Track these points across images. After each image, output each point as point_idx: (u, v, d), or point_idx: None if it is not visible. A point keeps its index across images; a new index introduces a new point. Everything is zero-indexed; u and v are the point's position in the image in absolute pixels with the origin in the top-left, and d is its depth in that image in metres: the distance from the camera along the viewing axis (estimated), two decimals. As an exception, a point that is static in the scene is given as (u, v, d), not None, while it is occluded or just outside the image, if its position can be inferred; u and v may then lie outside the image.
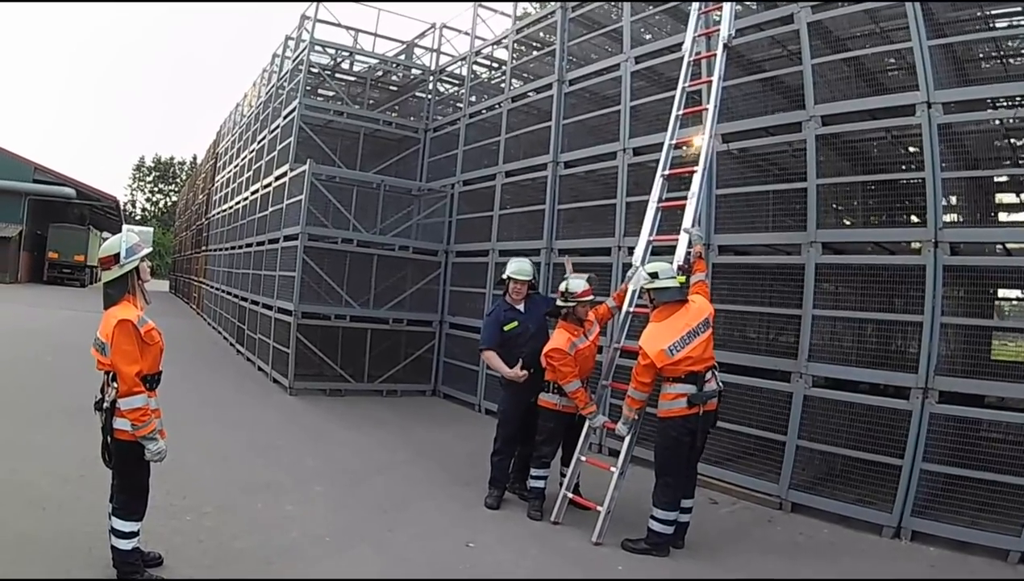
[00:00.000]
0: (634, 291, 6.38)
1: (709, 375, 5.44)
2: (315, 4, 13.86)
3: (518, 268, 6.62)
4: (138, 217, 72.45)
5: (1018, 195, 8.67)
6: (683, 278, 5.84)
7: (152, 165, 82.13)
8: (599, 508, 5.72)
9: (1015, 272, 6.84)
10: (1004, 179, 8.30)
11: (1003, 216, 8.50)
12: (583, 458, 6.22)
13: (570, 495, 6.10)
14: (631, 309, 6.51)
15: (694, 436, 5.42)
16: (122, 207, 46.26)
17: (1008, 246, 7.20)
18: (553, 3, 11.52)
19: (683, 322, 5.44)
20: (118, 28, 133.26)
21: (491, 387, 11.03)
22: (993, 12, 7.09)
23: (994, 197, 8.45)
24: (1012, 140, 7.77)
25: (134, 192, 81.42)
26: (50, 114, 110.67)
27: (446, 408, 11.62)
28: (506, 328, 6.54)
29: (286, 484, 6.49)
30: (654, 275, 5.65)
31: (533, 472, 6.30)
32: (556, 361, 6.04)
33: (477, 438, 9.06)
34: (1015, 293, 8.38)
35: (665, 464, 5.47)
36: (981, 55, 7.93)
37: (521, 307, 6.66)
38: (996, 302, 8.14)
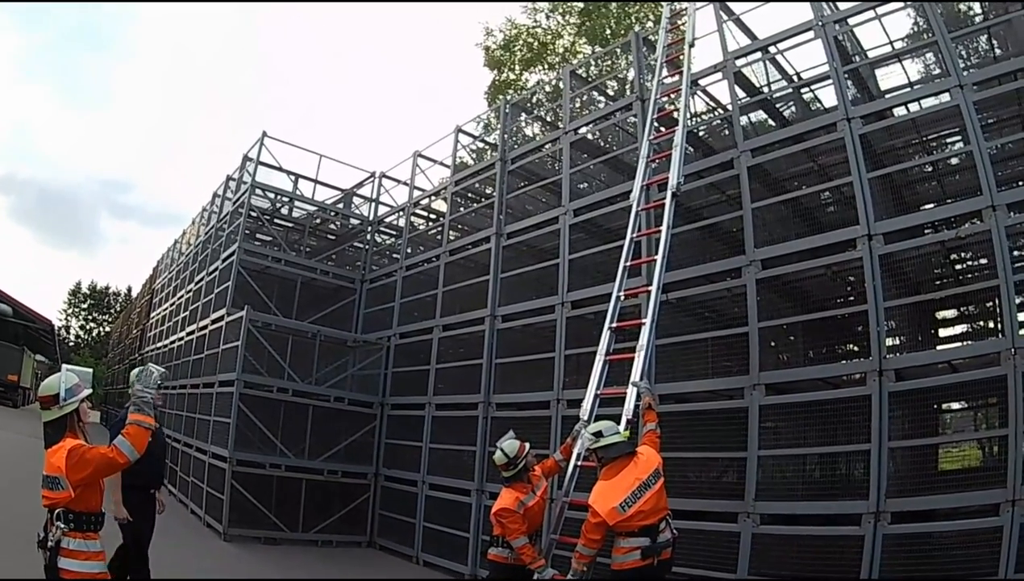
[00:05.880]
0: (579, 453, 6.30)
1: (663, 525, 5.31)
2: (258, 145, 14.04)
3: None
4: (72, 343, 69.76)
5: (959, 309, 8.78)
6: (627, 432, 5.78)
7: (88, 292, 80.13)
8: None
9: (959, 386, 6.88)
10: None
11: (943, 331, 8.66)
12: (534, 610, 5.92)
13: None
14: (579, 463, 6.36)
15: (649, 587, 5.20)
16: (56, 332, 44.53)
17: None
18: (492, 155, 11.83)
19: (633, 476, 5.31)
20: (60, 142, 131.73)
21: (429, 539, 10.70)
22: (928, 136, 7.46)
23: (935, 315, 8.66)
24: (952, 257, 7.98)
25: (69, 318, 78.96)
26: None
27: (384, 560, 11.17)
28: None
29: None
30: (598, 435, 5.56)
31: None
32: (505, 519, 5.88)
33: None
34: (957, 404, 8.43)
35: (620, 616, 5.20)
36: (917, 179, 8.24)
37: None
38: (940, 415, 8.21)
